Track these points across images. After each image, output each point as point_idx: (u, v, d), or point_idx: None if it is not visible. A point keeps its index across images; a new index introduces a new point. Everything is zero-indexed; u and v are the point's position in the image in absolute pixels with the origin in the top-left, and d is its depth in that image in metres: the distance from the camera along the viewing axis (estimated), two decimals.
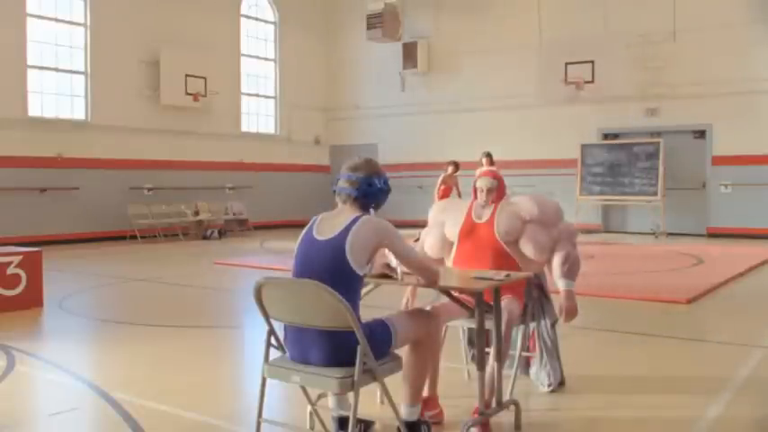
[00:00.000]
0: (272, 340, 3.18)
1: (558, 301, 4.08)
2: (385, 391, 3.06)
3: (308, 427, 3.53)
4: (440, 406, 3.70)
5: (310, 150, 19.51)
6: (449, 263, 4.20)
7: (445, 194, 12.65)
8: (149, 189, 15.49)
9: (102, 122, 14.69)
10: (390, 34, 17.67)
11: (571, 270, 4.05)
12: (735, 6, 14.33)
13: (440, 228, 4.28)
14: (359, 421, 3.22)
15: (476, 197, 4.25)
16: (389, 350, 3.17)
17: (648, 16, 15.04)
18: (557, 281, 4.08)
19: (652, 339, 5.72)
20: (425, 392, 3.64)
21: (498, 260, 4.00)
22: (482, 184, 4.20)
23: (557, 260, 4.06)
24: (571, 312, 4.01)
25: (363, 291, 3.28)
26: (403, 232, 3.26)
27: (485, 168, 4.45)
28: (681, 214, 15.24)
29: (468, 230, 4.14)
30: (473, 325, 3.66)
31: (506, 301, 3.85)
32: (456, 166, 12.90)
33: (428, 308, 3.69)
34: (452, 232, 4.20)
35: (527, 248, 4.04)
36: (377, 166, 3.32)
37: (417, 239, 4.70)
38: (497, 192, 4.20)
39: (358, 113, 19.32)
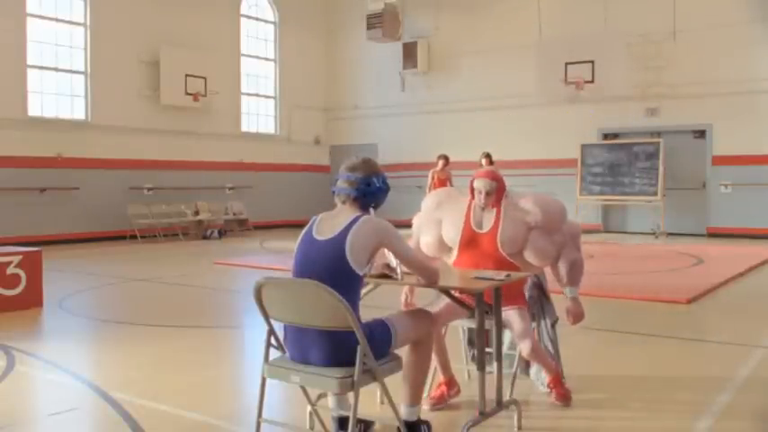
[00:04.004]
0: (272, 340, 3.18)
1: (563, 305, 4.08)
2: (385, 391, 3.06)
3: (307, 427, 3.53)
4: (457, 383, 4.01)
5: (310, 150, 19.51)
6: (449, 261, 4.17)
7: None
8: (149, 189, 15.49)
9: (102, 122, 14.68)
10: (390, 34, 17.67)
11: (577, 276, 4.05)
12: (735, 6, 14.32)
13: (436, 226, 4.13)
14: (359, 421, 3.22)
15: (473, 197, 4.08)
16: (389, 350, 3.17)
17: (648, 16, 15.04)
18: (563, 288, 4.07)
19: (652, 339, 5.72)
20: (443, 377, 3.93)
21: (501, 269, 3.90)
22: (480, 185, 3.99)
23: (563, 269, 4.02)
24: (579, 318, 4.06)
25: (363, 291, 3.29)
26: (403, 232, 3.25)
27: (483, 168, 4.27)
28: (681, 214, 15.24)
29: (469, 240, 3.99)
30: (473, 325, 3.67)
31: (516, 316, 3.80)
32: (446, 159, 12.65)
33: (429, 309, 3.70)
34: (451, 239, 4.05)
35: (530, 256, 3.95)
36: (375, 165, 3.31)
37: None
38: (497, 194, 4.01)
39: (358, 113, 19.31)
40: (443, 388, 3.96)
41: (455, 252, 4.06)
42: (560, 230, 4.02)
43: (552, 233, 3.98)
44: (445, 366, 3.98)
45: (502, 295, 3.67)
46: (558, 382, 3.99)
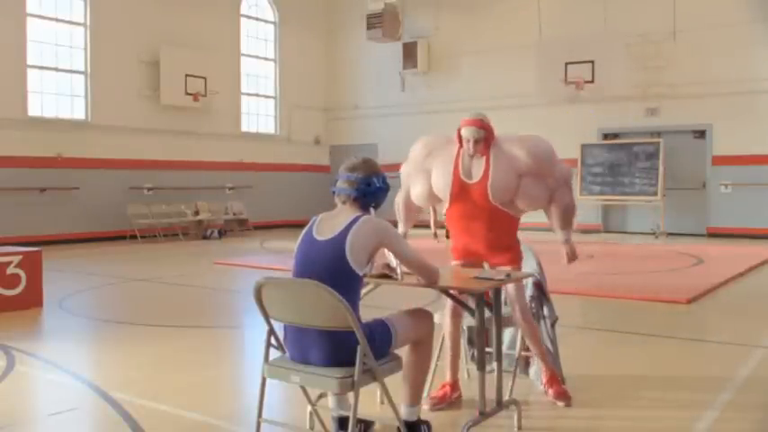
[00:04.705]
0: (272, 340, 3.18)
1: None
2: (385, 391, 3.06)
3: (307, 427, 3.52)
4: (460, 389, 3.97)
5: (310, 150, 19.51)
6: (441, 211, 4.11)
7: None
8: (149, 189, 15.49)
9: (102, 122, 14.68)
10: (390, 34, 17.66)
11: (570, 219, 4.03)
12: (735, 6, 14.32)
13: (426, 177, 4.05)
14: (359, 421, 3.22)
15: (461, 145, 3.94)
16: (389, 350, 3.17)
17: (648, 16, 15.04)
18: (556, 231, 4.06)
19: (652, 339, 5.72)
20: (449, 378, 3.93)
21: (493, 216, 3.90)
22: (468, 134, 3.87)
23: (555, 213, 4.01)
24: (573, 257, 4.07)
25: (363, 291, 3.29)
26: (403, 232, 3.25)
27: (470, 116, 3.97)
28: (681, 214, 15.24)
29: (459, 191, 3.92)
30: (473, 324, 3.67)
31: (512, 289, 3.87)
32: None
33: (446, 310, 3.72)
34: (441, 189, 3.98)
35: (522, 203, 3.92)
36: (375, 165, 3.31)
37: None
38: (485, 141, 3.88)
39: (358, 113, 19.31)
40: (447, 389, 3.96)
41: (446, 203, 4.01)
42: (552, 174, 3.95)
43: (544, 178, 3.93)
44: (454, 367, 3.99)
45: (494, 247, 3.85)
46: (554, 380, 4.00)
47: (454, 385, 3.98)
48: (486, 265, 4.01)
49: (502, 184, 3.85)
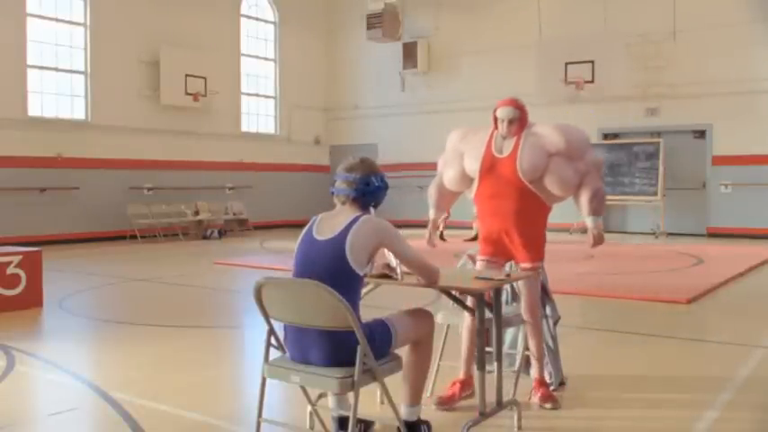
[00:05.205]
0: (272, 340, 3.18)
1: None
2: (385, 391, 3.06)
3: (307, 427, 3.52)
4: (473, 385, 3.89)
5: (310, 150, 19.51)
6: (470, 195, 4.12)
7: None
8: (149, 189, 15.49)
9: (102, 122, 14.68)
10: (390, 34, 17.67)
11: (599, 206, 3.98)
12: (735, 6, 14.32)
13: (459, 159, 4.09)
14: (359, 421, 3.22)
15: (496, 127, 4.01)
16: (389, 350, 3.17)
17: (648, 16, 15.04)
18: (585, 218, 4.01)
19: (652, 339, 5.72)
20: (462, 374, 3.92)
21: (522, 196, 3.90)
22: (503, 114, 3.94)
23: (585, 197, 3.95)
24: (599, 240, 3.99)
25: (363, 291, 3.28)
26: (403, 232, 3.25)
27: (506, 98, 4.07)
28: (681, 214, 15.24)
29: (489, 167, 3.95)
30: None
31: (525, 285, 3.88)
32: None
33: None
34: (472, 168, 4.01)
35: (551, 184, 3.89)
36: (373, 164, 3.31)
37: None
38: (519, 122, 3.95)
39: (358, 113, 19.31)
40: (456, 388, 3.92)
41: (476, 182, 4.02)
42: (583, 159, 3.96)
43: (574, 160, 3.92)
44: (469, 362, 3.95)
45: (521, 230, 3.83)
46: (543, 382, 3.97)
47: (467, 381, 3.94)
48: (508, 266, 4.02)
49: (531, 159, 3.85)
